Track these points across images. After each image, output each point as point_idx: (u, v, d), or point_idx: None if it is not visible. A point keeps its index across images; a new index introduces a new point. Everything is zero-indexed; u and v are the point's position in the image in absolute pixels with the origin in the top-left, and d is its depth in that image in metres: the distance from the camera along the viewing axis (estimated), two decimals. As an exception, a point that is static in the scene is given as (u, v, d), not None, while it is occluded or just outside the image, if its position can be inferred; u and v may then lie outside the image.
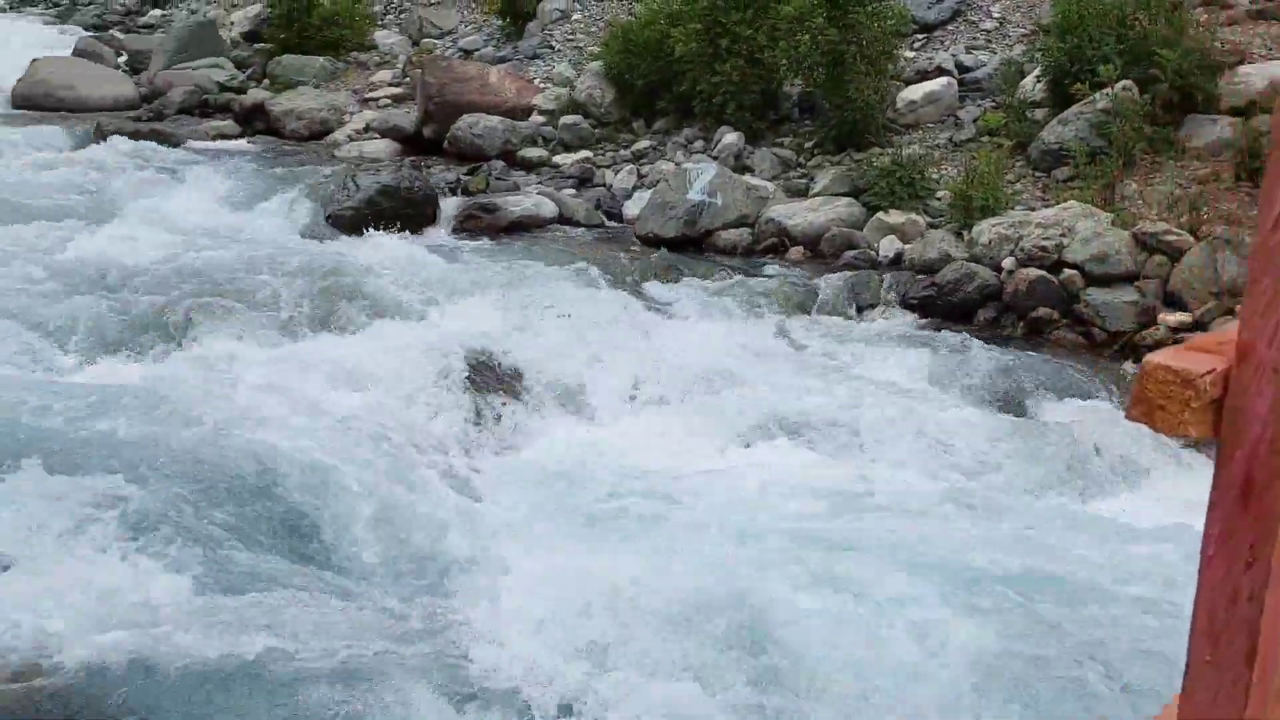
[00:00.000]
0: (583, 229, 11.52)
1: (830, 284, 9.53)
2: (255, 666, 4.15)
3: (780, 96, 13.03)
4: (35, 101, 17.80)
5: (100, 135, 14.28)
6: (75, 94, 17.85)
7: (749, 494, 6.09)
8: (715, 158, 12.20)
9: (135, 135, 14.30)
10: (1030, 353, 8.34)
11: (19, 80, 18.35)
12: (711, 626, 4.47)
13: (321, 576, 5.06)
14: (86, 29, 27.44)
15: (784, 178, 11.81)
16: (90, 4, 32.87)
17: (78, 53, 21.50)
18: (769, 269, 10.02)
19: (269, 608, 4.60)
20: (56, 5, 33.57)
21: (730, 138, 12.46)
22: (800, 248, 10.48)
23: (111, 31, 26.52)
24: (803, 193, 11.37)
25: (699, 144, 12.87)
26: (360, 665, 4.22)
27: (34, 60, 19.15)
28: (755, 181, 11.53)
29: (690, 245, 10.65)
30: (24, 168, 12.57)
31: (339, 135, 15.41)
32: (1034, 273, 8.89)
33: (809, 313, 9.32)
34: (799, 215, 10.66)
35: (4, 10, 33.64)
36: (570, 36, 17.17)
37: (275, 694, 4.00)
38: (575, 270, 9.54)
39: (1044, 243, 8.94)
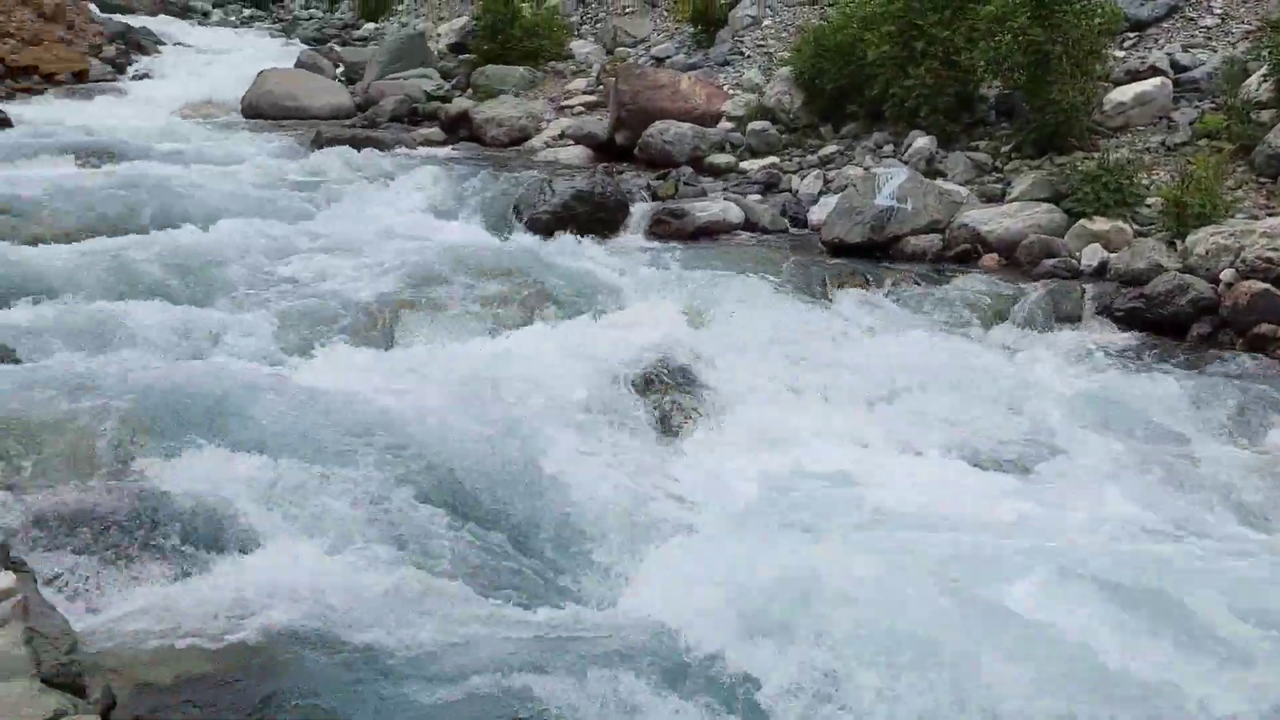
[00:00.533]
0: (768, 235, 11.57)
1: (1028, 293, 9.19)
2: (454, 653, 4.29)
3: (976, 99, 12.69)
4: (262, 110, 19.42)
5: (319, 142, 15.43)
6: (298, 103, 19.33)
7: (951, 513, 5.95)
8: (905, 162, 12.00)
9: (350, 142, 15.35)
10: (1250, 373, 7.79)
11: (248, 91, 20.06)
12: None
13: (518, 567, 5.31)
14: (307, 42, 29.60)
15: (978, 182, 11.49)
16: (311, 19, 35.54)
17: (299, 65, 23.27)
18: (961, 277, 9.75)
19: (471, 596, 4.83)
20: (281, 20, 36.49)
21: (922, 141, 12.23)
22: (995, 255, 10.15)
23: (330, 44, 28.52)
24: (999, 198, 11.03)
25: (888, 148, 12.69)
26: (554, 653, 4.34)
27: (261, 72, 20.87)
28: (947, 186, 11.26)
29: (877, 251, 10.52)
30: (251, 172, 13.67)
31: (536, 142, 16.07)
32: (1257, 285, 8.30)
33: (1005, 323, 9.03)
34: (994, 221, 10.34)
35: (235, 26, 36.79)
36: (761, 42, 17.24)
37: (468, 678, 4.11)
38: (761, 275, 9.61)
39: (1270, 254, 8.34)
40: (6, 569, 3.33)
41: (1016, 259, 10.01)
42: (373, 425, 6.10)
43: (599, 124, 15.76)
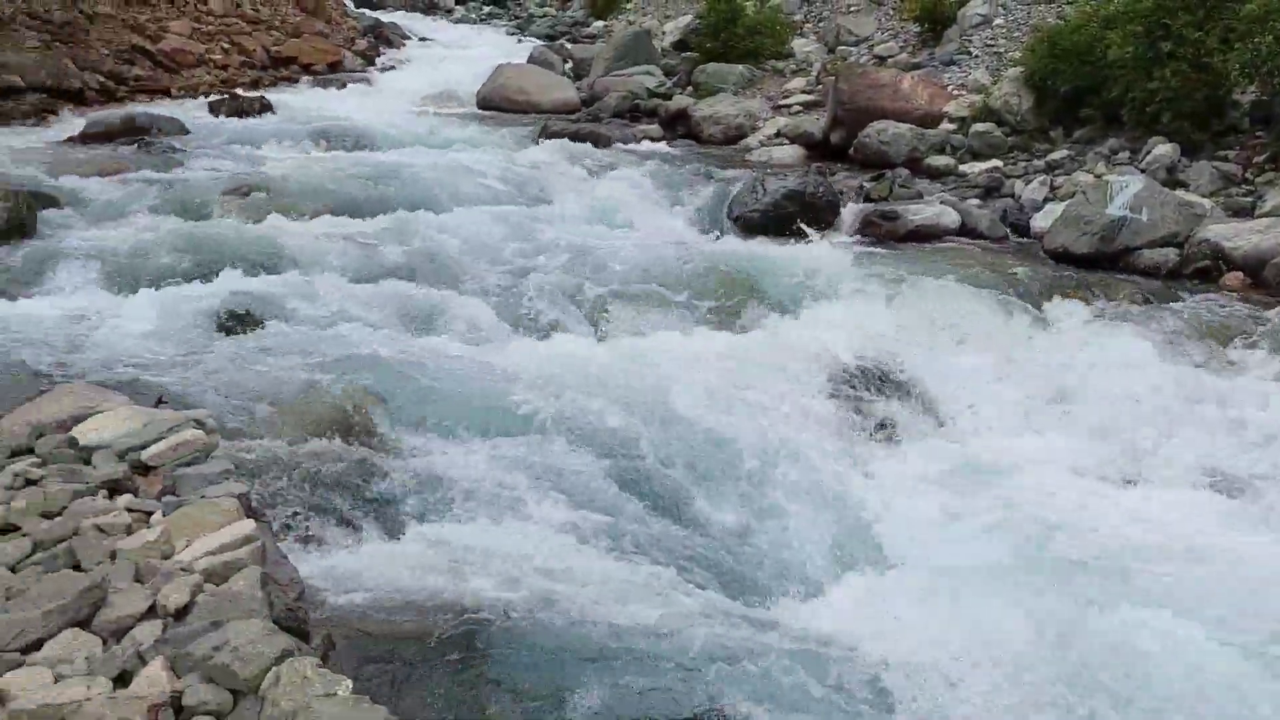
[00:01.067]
0: (985, 241, 11.15)
1: (1276, 318, 8.46)
2: (661, 639, 4.36)
3: (1228, 104, 11.78)
4: (494, 103, 20.42)
5: (545, 135, 16.10)
6: (528, 98, 20.20)
7: (1175, 550, 5.58)
8: (1142, 170, 11.28)
9: (574, 136, 15.94)
10: None
11: (483, 84, 21.14)
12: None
13: (713, 561, 5.40)
14: (540, 38, 30.89)
15: (1225, 194, 10.67)
16: (544, 16, 37.01)
17: (532, 60, 24.31)
18: (1199, 295, 9.08)
19: (663, 583, 4.94)
20: (517, 17, 38.18)
21: (1162, 149, 11.46)
22: (1239, 274, 9.40)
23: (561, 41, 29.62)
24: (1247, 212, 10.21)
25: (1124, 155, 11.96)
26: (736, 648, 4.37)
27: (496, 67, 21.92)
28: (1189, 197, 10.51)
29: (1105, 263, 9.94)
30: (481, 162, 14.39)
31: (751, 140, 16.14)
32: None
33: (1247, 348, 8.34)
34: (1242, 237, 9.57)
35: (475, 22, 38.76)
36: (990, 42, 16.60)
37: (649, 664, 4.19)
38: (974, 281, 9.29)
39: None
40: (248, 516, 3.65)
41: (1265, 279, 9.23)
42: (587, 413, 6.34)
43: (815, 123, 15.65)
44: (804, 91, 17.87)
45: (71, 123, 15.68)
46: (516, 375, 6.82)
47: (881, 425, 7.30)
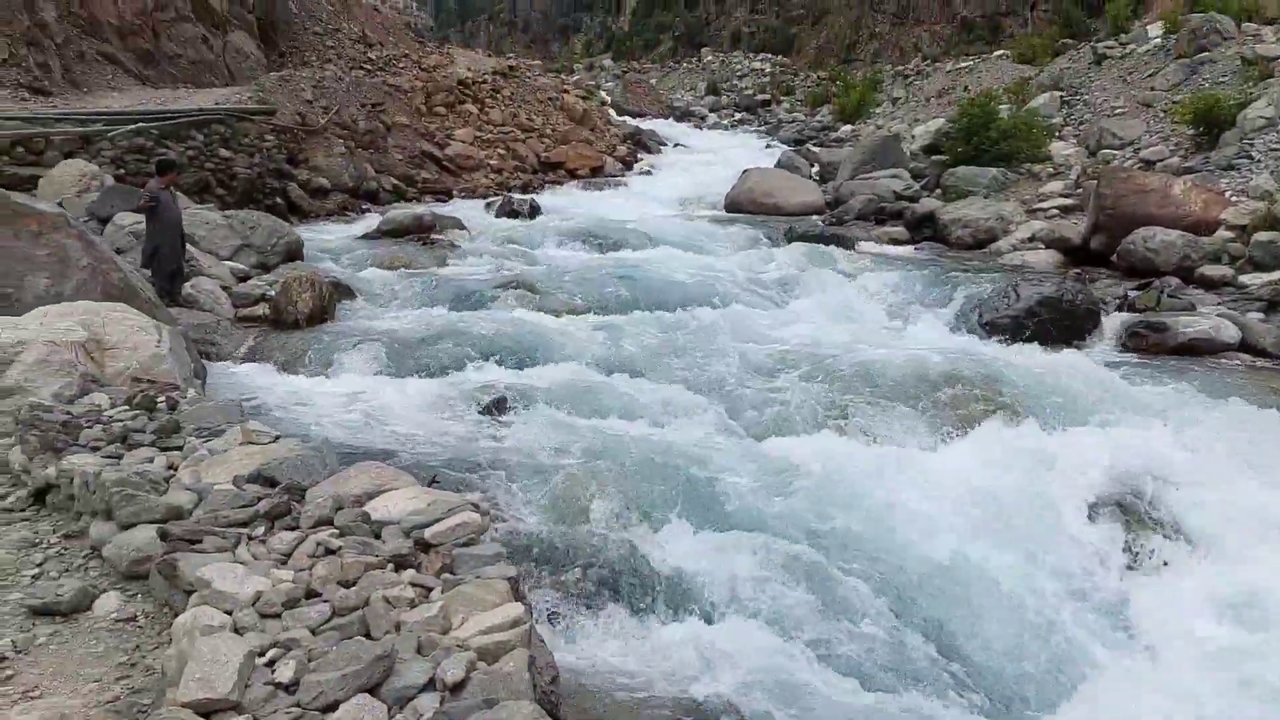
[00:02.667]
0: (1271, 359, 10.31)
1: None
2: None
3: None
4: (742, 206, 21.03)
5: (790, 237, 16.42)
6: (774, 201, 20.68)
7: None
8: None
9: (819, 238, 16.17)
10: None
11: (732, 188, 21.86)
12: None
13: (961, 676, 5.26)
14: (788, 143, 31.65)
15: None
16: (793, 121, 38.02)
17: (779, 164, 24.93)
18: None
19: (903, 697, 4.90)
20: (767, 123, 39.43)
21: None
22: None
23: (808, 145, 30.25)
24: None
25: None
26: None
27: (744, 171, 22.64)
28: None
29: None
30: (729, 263, 14.84)
31: (1003, 244, 15.75)
32: None
33: None
34: None
35: (727, 128, 40.26)
36: (1275, 146, 15.49)
37: None
38: (1256, 403, 8.59)
39: None
40: (516, 599, 3.94)
41: None
42: (833, 519, 6.36)
43: (1073, 228, 15.10)
44: (1062, 195, 17.30)
45: (368, 220, 17.59)
46: (765, 474, 6.95)
47: (1137, 550, 6.84)
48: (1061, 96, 23.23)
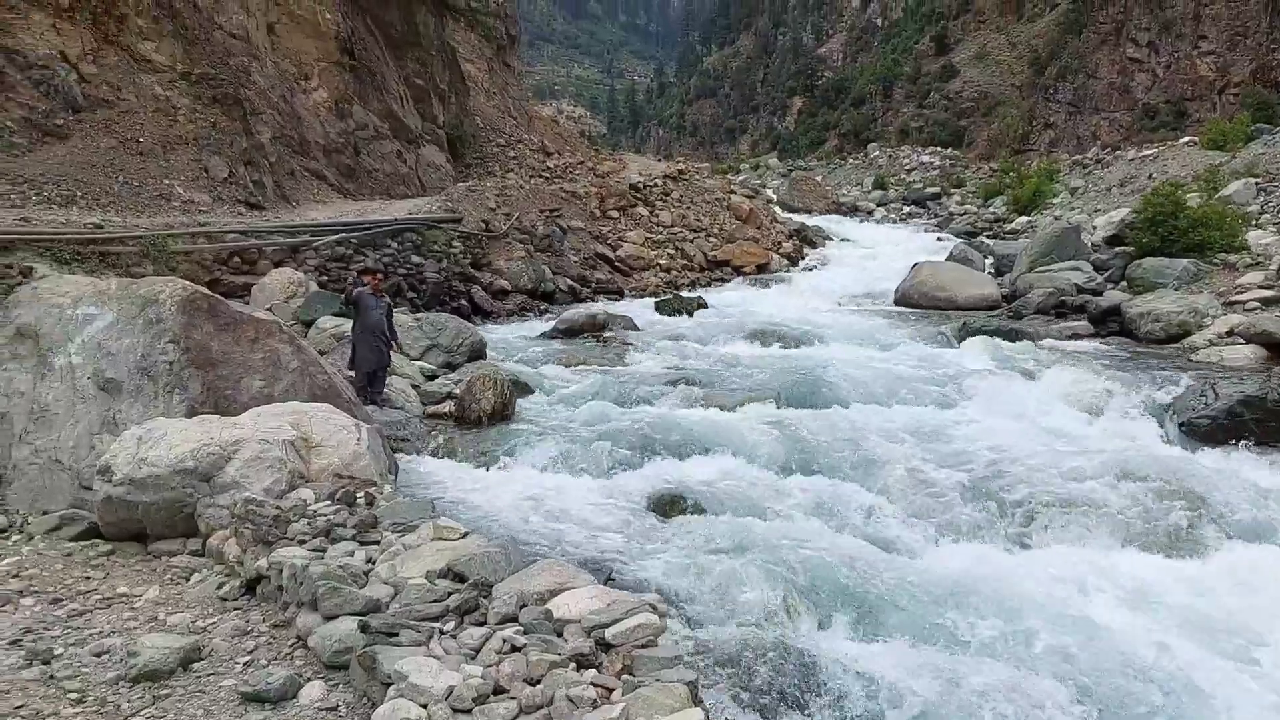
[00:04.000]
0: None
1: None
2: None
3: None
4: (913, 300, 20.75)
5: (966, 332, 16.03)
6: (947, 294, 20.31)
7: None
8: None
9: (996, 333, 15.72)
10: None
11: (902, 281, 21.61)
12: None
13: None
14: (959, 236, 31.13)
15: None
16: (964, 214, 37.37)
17: (951, 258, 24.50)
18: None
19: None
20: (936, 215, 38.93)
21: None
22: None
23: (981, 237, 29.68)
24: None
25: None
26: None
27: (914, 264, 22.37)
28: None
29: None
30: (901, 359, 14.60)
31: (1197, 339, 14.89)
32: None
33: None
34: None
35: (894, 222, 39.99)
36: None
37: None
38: None
39: None
40: (696, 704, 3.96)
41: None
42: (1021, 635, 6.07)
43: (1276, 321, 14.12)
44: (1262, 286, 16.26)
45: (546, 319, 18.33)
46: (937, 580, 6.74)
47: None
48: (1257, 183, 22.04)
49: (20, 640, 5.04)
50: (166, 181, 17.28)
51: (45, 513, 6.94)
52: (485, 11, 36.01)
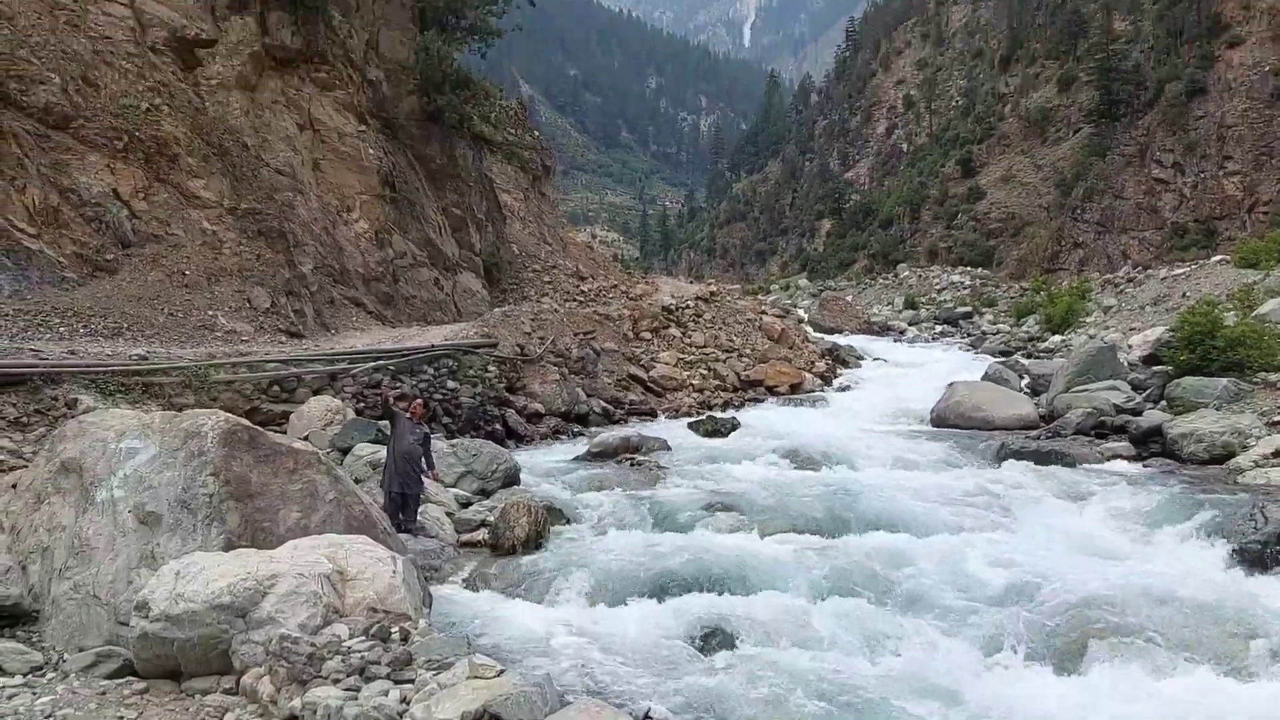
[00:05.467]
0: None
1: None
2: None
3: None
4: (949, 420, 20.58)
5: (1004, 454, 15.83)
6: (983, 414, 20.15)
7: None
8: None
9: (1035, 455, 15.51)
10: None
11: (937, 402, 21.49)
12: None
13: None
14: (993, 355, 31.07)
15: None
16: (998, 333, 37.39)
17: (986, 377, 24.39)
18: None
19: None
20: (969, 335, 38.98)
21: None
22: None
23: (1015, 356, 29.58)
24: None
25: None
26: None
27: (949, 384, 22.28)
28: None
29: None
30: (939, 481, 14.40)
31: (1242, 460, 14.61)
32: None
33: None
34: None
35: (927, 341, 40.05)
36: None
37: None
38: None
39: None
40: None
41: None
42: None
43: (1326, 442, 13.87)
44: (1307, 405, 16.03)
45: (579, 443, 18.34)
46: (985, 711, 6.51)
47: None
48: (1294, 300, 21.96)
49: (51, 784, 4.96)
50: (210, 312, 17.75)
51: (81, 649, 6.92)
52: (522, 145, 37.28)
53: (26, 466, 9.01)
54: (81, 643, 6.97)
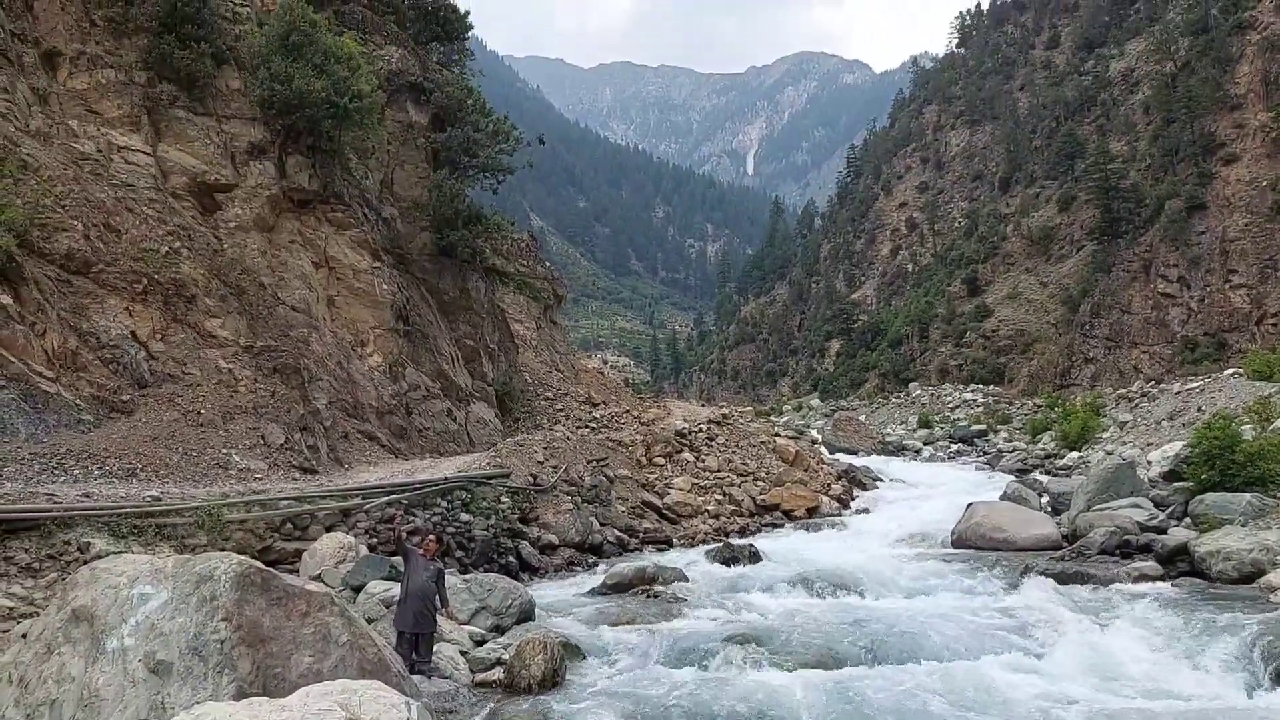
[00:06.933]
0: None
1: None
2: None
3: None
4: (969, 542, 20.24)
5: (1028, 575, 15.49)
6: (1004, 535, 19.82)
7: None
8: None
9: (1059, 576, 15.18)
10: None
11: (957, 523, 21.17)
12: None
13: None
14: (1010, 473, 30.79)
15: None
16: (1013, 450, 37.13)
17: (1004, 496, 24.10)
18: None
19: None
20: (985, 453, 38.71)
21: None
22: None
23: (1033, 474, 29.29)
24: None
25: None
26: None
27: (969, 505, 21.98)
28: None
29: None
30: (965, 607, 14.06)
31: (1273, 578, 14.26)
32: None
33: None
34: None
35: (942, 460, 39.75)
36: None
37: None
38: None
39: None
40: None
41: None
42: None
43: (1358, 558, 13.56)
44: (1335, 519, 15.73)
45: (594, 575, 18.05)
46: None
47: None
48: (1311, 411, 21.82)
49: None
50: (224, 450, 17.80)
51: (84, 808, 6.69)
52: (533, 275, 38.00)
53: (38, 614, 8.91)
54: (85, 802, 6.74)
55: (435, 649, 10.93)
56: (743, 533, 23.49)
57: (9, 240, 16.29)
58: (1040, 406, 49.89)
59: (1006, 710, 9.55)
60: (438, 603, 10.96)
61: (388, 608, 11.95)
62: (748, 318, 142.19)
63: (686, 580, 16.78)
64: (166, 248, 19.96)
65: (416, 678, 9.79)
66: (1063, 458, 31.81)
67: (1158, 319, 58.16)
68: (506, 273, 33.98)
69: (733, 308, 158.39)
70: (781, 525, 25.28)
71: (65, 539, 11.41)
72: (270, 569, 8.38)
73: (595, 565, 19.36)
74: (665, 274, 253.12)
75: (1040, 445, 36.18)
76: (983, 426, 49.00)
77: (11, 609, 9.54)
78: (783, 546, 21.34)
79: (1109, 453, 27.20)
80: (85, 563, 9.01)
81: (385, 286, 25.96)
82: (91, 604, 7.57)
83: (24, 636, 8.22)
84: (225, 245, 21.76)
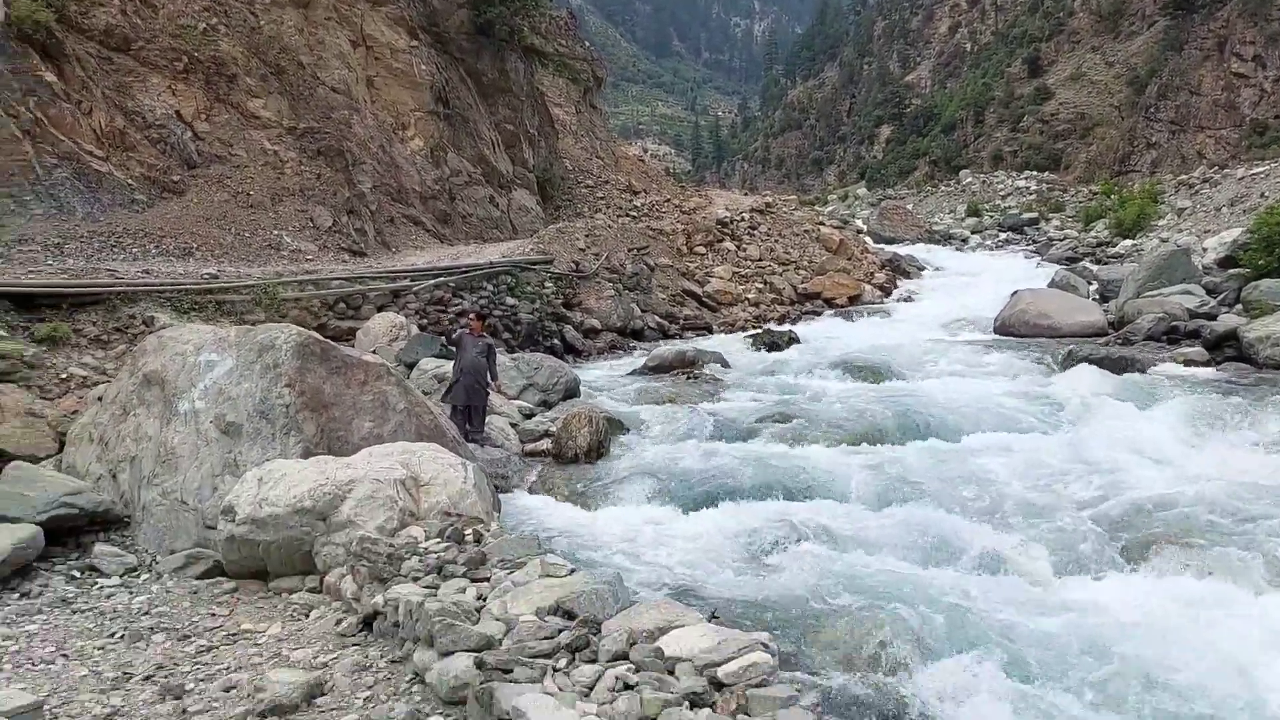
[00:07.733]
0: None
1: None
2: None
3: None
4: (1014, 329, 20.25)
5: (1071, 360, 15.56)
6: (1049, 322, 19.78)
7: None
8: None
9: (1103, 361, 15.23)
10: None
11: (1001, 310, 21.13)
12: None
13: None
14: (1060, 262, 30.30)
15: None
16: (1064, 239, 36.40)
17: (1052, 284, 23.89)
18: None
19: None
20: (1035, 242, 38.03)
21: None
22: None
23: (1083, 263, 28.81)
24: None
25: None
26: None
27: (1014, 292, 21.85)
28: None
29: None
30: (1003, 388, 14.23)
31: (1322, 362, 14.23)
32: None
33: None
34: None
35: (990, 249, 39.19)
36: None
37: None
38: None
39: None
40: None
41: None
42: (1134, 664, 5.89)
43: None
44: (1391, 306, 15.47)
45: (636, 357, 18.44)
46: (1062, 618, 6.52)
47: None
48: (1380, 197, 21.04)
49: (153, 676, 5.25)
50: (275, 232, 18.00)
51: (172, 552, 7.24)
52: (572, 56, 36.73)
53: (110, 381, 9.34)
54: (172, 545, 7.29)
55: (487, 421, 11.37)
56: (783, 320, 23.66)
57: (48, 15, 15.98)
58: (1096, 194, 48.50)
59: (1046, 482, 9.78)
60: (489, 377, 11.33)
61: (440, 383, 12.36)
62: (794, 102, 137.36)
63: (727, 364, 17.08)
64: (204, 24, 19.49)
65: (471, 445, 10.25)
66: (1115, 246, 31.17)
67: (1227, 101, 55.30)
68: (545, 53, 32.84)
69: (779, 92, 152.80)
70: (822, 313, 25.38)
71: (130, 313, 11.79)
72: (328, 340, 8.66)
73: (636, 348, 19.75)
74: (709, 55, 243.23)
75: (1093, 233, 35.40)
76: (1034, 215, 47.88)
77: (85, 377, 9.99)
78: (823, 332, 21.51)
79: (1164, 240, 26.60)
80: (153, 333, 9.33)
81: (424, 67, 25.29)
82: (161, 369, 7.91)
83: (100, 399, 8.66)
84: (261, 22, 21.16)
